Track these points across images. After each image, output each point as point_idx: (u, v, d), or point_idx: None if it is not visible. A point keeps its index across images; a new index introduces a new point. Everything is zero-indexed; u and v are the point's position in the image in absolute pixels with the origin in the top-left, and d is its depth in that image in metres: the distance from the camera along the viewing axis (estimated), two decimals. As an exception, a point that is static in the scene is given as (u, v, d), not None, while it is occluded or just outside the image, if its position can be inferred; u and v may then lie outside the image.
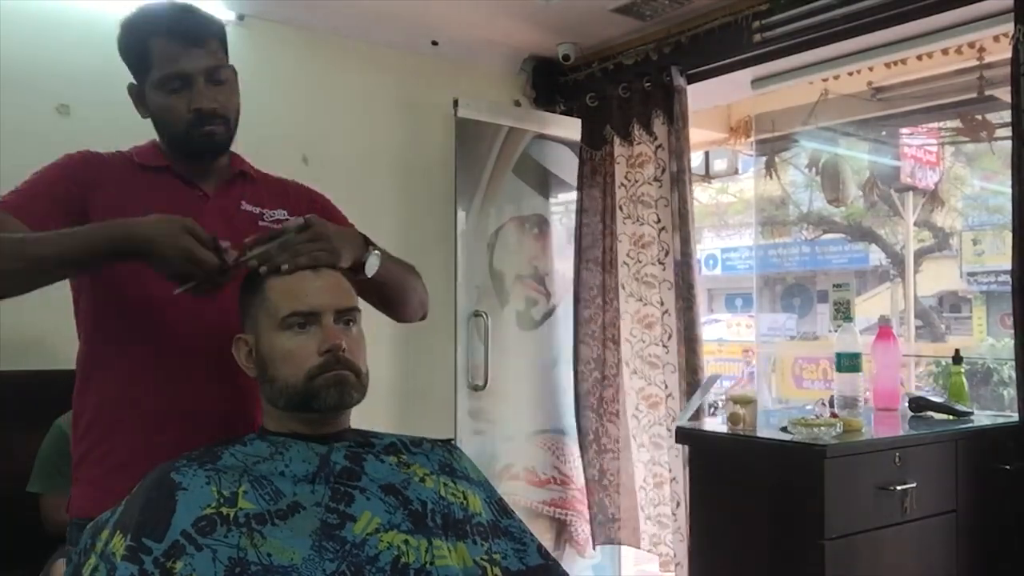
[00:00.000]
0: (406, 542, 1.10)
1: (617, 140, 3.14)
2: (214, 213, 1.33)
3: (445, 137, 3.06)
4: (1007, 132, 3.03)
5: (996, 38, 2.64)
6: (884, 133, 6.07)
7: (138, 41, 1.29)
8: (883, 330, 2.44)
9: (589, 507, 3.23)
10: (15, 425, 2.21)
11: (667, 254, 3.00)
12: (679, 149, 2.95)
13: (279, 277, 1.18)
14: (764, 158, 4.69)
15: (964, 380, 2.44)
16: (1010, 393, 4.73)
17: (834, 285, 2.68)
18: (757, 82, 3.14)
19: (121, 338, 1.31)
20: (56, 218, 1.20)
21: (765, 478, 1.98)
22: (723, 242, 12.79)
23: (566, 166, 3.32)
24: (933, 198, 7.02)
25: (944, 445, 2.12)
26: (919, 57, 2.88)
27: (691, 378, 2.90)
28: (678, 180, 2.96)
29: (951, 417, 2.28)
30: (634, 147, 3.10)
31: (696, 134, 3.67)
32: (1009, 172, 2.22)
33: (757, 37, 2.74)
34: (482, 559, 1.16)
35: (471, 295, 3.12)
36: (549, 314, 3.35)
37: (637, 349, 3.13)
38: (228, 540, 1.03)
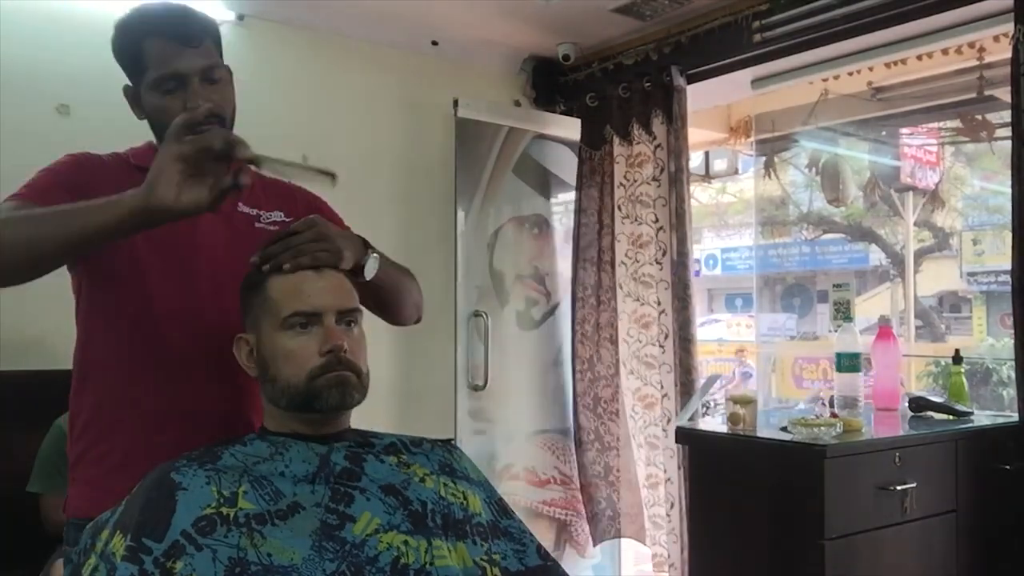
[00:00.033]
0: (406, 543, 1.10)
1: (616, 140, 3.14)
2: (211, 214, 1.33)
3: (445, 137, 3.07)
4: (1007, 132, 3.03)
5: (996, 38, 2.64)
6: (884, 133, 6.08)
7: (132, 42, 1.29)
8: (883, 330, 2.44)
9: (586, 505, 3.23)
10: (15, 425, 2.21)
11: (664, 254, 3.00)
12: (678, 149, 2.96)
13: (281, 277, 1.18)
14: (764, 158, 4.69)
15: (964, 380, 2.44)
16: (1010, 393, 4.73)
17: (834, 285, 2.68)
18: (757, 82, 3.14)
19: (120, 337, 1.31)
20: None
21: (765, 478, 1.98)
22: (723, 242, 12.79)
23: (566, 166, 3.33)
24: (933, 198, 7.02)
25: (944, 445, 2.12)
26: (919, 57, 2.89)
27: (685, 378, 2.90)
28: (676, 180, 2.96)
29: (951, 417, 2.28)
30: (633, 147, 3.10)
31: (696, 134, 3.67)
32: (1009, 172, 2.22)
33: (757, 37, 2.74)
34: (482, 559, 1.16)
35: (471, 295, 3.12)
36: (549, 314, 3.36)
37: (634, 349, 3.13)
38: (228, 540, 1.03)
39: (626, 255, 3.12)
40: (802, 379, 8.09)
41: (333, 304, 1.18)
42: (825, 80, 3.34)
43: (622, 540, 3.27)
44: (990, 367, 6.94)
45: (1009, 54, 2.22)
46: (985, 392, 6.80)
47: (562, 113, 3.38)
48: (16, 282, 1.12)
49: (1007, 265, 2.25)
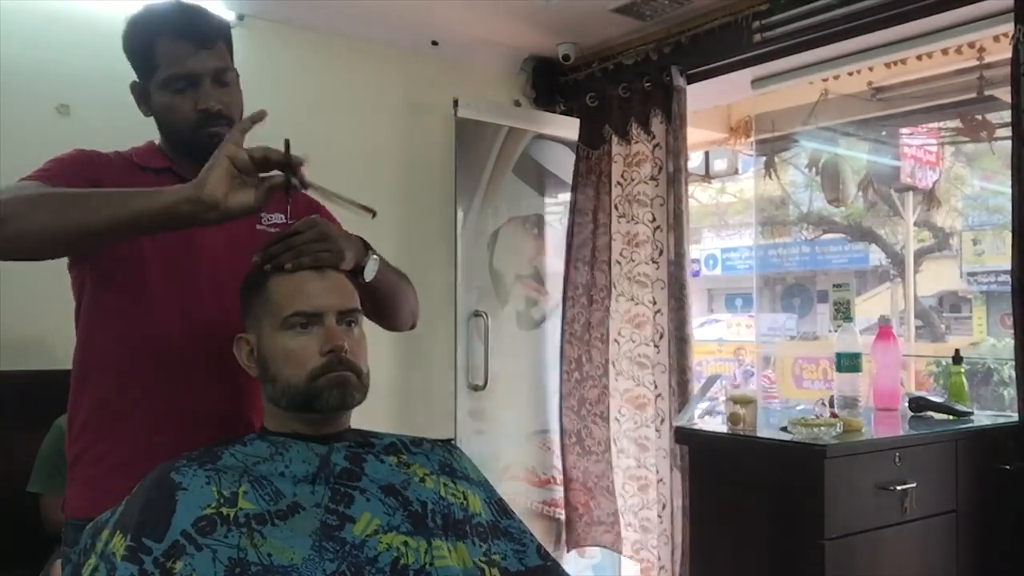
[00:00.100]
0: (405, 543, 1.10)
1: (615, 139, 3.13)
2: None
3: (445, 137, 3.07)
4: (1007, 132, 3.02)
5: (996, 38, 2.64)
6: (884, 133, 6.08)
7: (144, 40, 1.29)
8: (883, 330, 2.44)
9: (564, 509, 3.21)
10: (15, 425, 2.21)
11: (661, 253, 2.98)
12: (676, 149, 2.95)
13: (282, 276, 1.18)
14: (764, 158, 4.69)
15: (964, 380, 2.44)
16: (1010, 393, 4.72)
17: (834, 285, 2.68)
18: (757, 82, 3.14)
19: (120, 338, 1.31)
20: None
21: (765, 478, 1.98)
22: (723, 242, 12.79)
23: (566, 166, 3.32)
24: (929, 198, 7.02)
25: (944, 445, 2.12)
26: (919, 57, 2.89)
27: (680, 378, 2.90)
28: (674, 180, 2.95)
29: (951, 417, 2.28)
30: (632, 146, 3.10)
31: (696, 134, 3.67)
32: (1009, 172, 2.22)
33: (757, 37, 2.74)
34: (481, 560, 1.16)
35: (471, 295, 3.12)
36: (549, 314, 3.35)
37: (625, 349, 3.10)
38: (228, 540, 1.03)
39: (621, 254, 3.11)
40: (802, 379, 8.09)
41: (334, 304, 1.18)
42: (825, 80, 3.33)
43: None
44: (990, 367, 6.94)
45: (1009, 54, 2.22)
46: (985, 392, 6.80)
47: (562, 113, 3.38)
48: (41, 258, 1.13)
49: (1007, 265, 2.24)
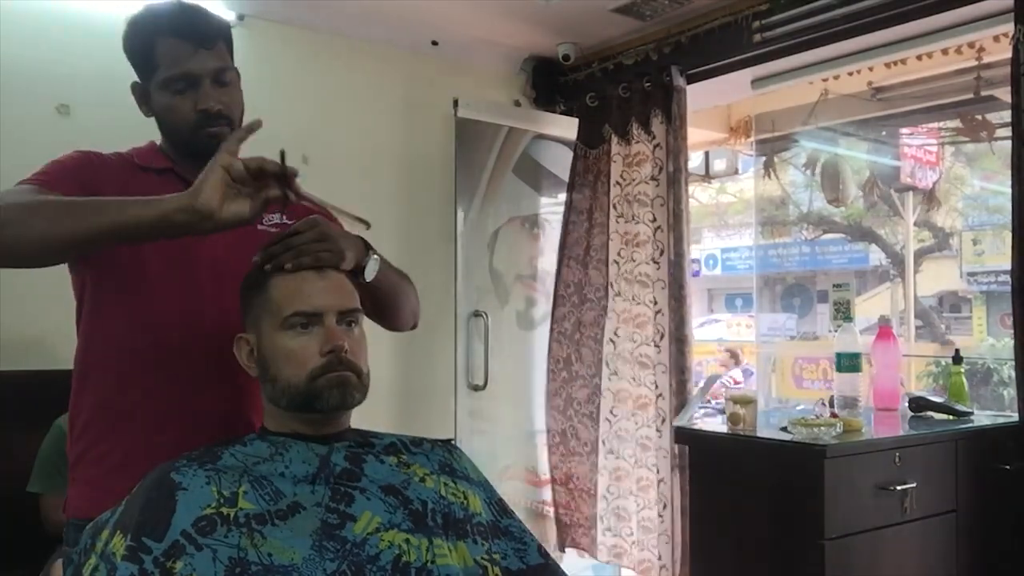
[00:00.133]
0: (407, 541, 1.10)
1: (615, 139, 3.13)
2: None
3: (445, 137, 3.07)
4: (1007, 132, 3.03)
5: (996, 38, 2.64)
6: (884, 133, 6.08)
7: (144, 40, 1.29)
8: (883, 330, 2.44)
9: (554, 507, 3.19)
10: (15, 425, 2.21)
11: (662, 253, 2.98)
12: (676, 149, 2.95)
13: (283, 276, 1.18)
14: (764, 158, 4.69)
15: (964, 380, 2.44)
16: (1010, 393, 4.73)
17: (834, 285, 2.68)
18: (757, 82, 3.14)
19: (121, 338, 1.31)
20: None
21: (765, 478, 1.98)
22: (723, 242, 12.80)
23: (566, 166, 3.32)
24: (930, 198, 7.02)
25: (944, 445, 2.12)
26: (919, 57, 2.89)
27: (679, 378, 2.89)
28: (675, 180, 2.95)
29: (951, 417, 2.28)
30: (632, 146, 3.09)
31: (696, 134, 3.67)
32: (1009, 172, 2.22)
33: (757, 37, 2.74)
34: (482, 559, 1.16)
35: (471, 295, 3.12)
36: (549, 314, 3.35)
37: (625, 349, 3.09)
38: (228, 540, 1.03)
39: (619, 254, 3.10)
40: (802, 379, 8.09)
41: (334, 304, 1.18)
42: (825, 80, 3.34)
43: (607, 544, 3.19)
44: (990, 367, 6.95)
45: (1009, 54, 2.22)
46: (985, 392, 6.80)
47: (562, 113, 3.38)
48: (35, 265, 1.13)
49: (1007, 265, 2.25)
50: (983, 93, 3.28)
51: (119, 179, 1.31)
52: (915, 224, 8.02)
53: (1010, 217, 2.23)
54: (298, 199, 1.14)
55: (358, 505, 1.11)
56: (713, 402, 4.73)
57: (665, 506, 2.90)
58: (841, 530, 1.85)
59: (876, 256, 9.77)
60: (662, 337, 2.97)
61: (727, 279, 13.02)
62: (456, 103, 3.00)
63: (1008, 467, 2.13)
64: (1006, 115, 3.19)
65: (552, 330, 3.20)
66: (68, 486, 1.34)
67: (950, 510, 2.10)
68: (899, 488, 1.95)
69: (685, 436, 2.29)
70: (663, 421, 2.94)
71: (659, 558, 2.93)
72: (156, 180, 1.33)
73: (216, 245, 1.32)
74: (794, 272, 9.96)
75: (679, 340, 2.91)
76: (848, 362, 2.23)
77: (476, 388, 3.09)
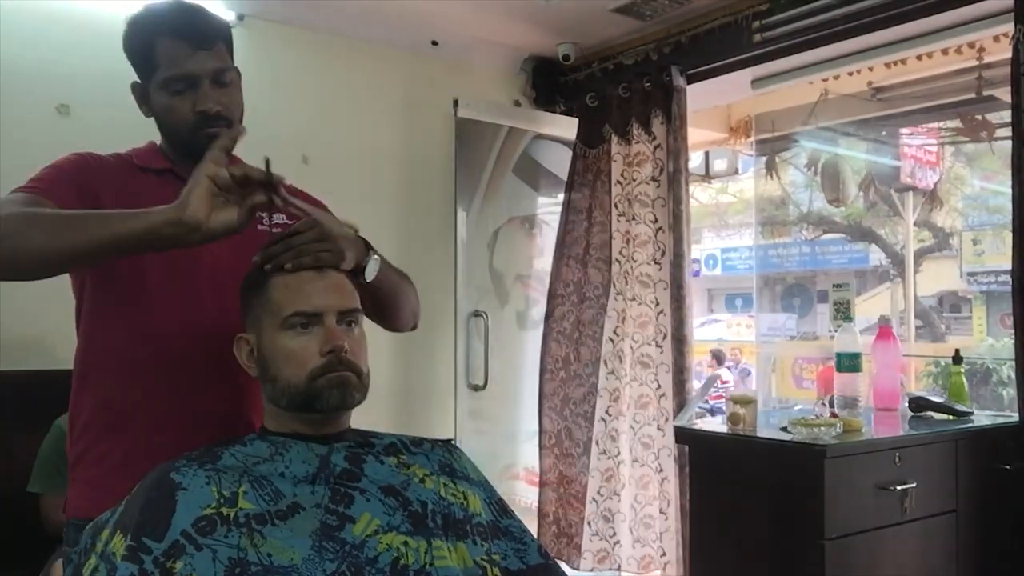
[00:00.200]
0: (405, 543, 1.10)
1: (615, 139, 3.13)
2: None
3: (445, 137, 3.07)
4: (1007, 132, 3.03)
5: (996, 38, 2.64)
6: (884, 133, 6.09)
7: (144, 40, 1.29)
8: (883, 330, 2.44)
9: (542, 507, 3.17)
10: (15, 425, 2.21)
11: (663, 254, 2.98)
12: (677, 149, 2.95)
13: (283, 276, 1.18)
14: (764, 158, 4.69)
15: (964, 380, 2.44)
16: (1010, 393, 4.73)
17: (834, 285, 2.67)
18: (757, 82, 3.14)
19: (121, 338, 1.31)
20: (76, 205, 1.21)
21: (765, 478, 1.98)
22: (723, 242, 12.81)
23: (566, 166, 3.33)
24: (931, 198, 7.03)
25: (944, 445, 2.12)
26: (919, 57, 2.89)
27: (679, 378, 2.89)
28: (675, 180, 2.95)
29: (951, 417, 2.28)
30: (632, 146, 3.09)
31: (696, 134, 3.67)
32: (1009, 172, 2.22)
33: (757, 37, 2.74)
34: (482, 559, 1.16)
35: (471, 295, 3.12)
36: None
37: (624, 348, 3.08)
38: (228, 540, 1.03)
39: (620, 253, 3.10)
40: (802, 379, 8.09)
41: (334, 304, 1.18)
42: (825, 80, 3.34)
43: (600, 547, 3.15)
44: (990, 367, 6.95)
45: (1009, 54, 2.22)
46: (985, 392, 6.80)
47: (562, 113, 3.38)
48: (30, 278, 1.13)
49: (1007, 265, 2.25)
50: (983, 93, 3.28)
51: (118, 180, 1.31)
52: (915, 224, 8.03)
53: (1010, 217, 2.23)
54: (285, 206, 1.14)
55: (357, 507, 1.11)
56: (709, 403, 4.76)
57: (669, 503, 2.90)
58: (841, 530, 1.85)
59: (876, 256, 9.77)
60: (664, 337, 2.97)
61: (727, 279, 13.03)
62: (456, 103, 3.00)
63: (1008, 467, 2.13)
64: (1006, 115, 3.19)
65: (551, 329, 3.19)
66: (68, 486, 1.34)
67: (950, 510, 2.10)
68: (899, 488, 1.95)
69: (685, 436, 2.29)
70: (666, 420, 2.94)
71: (662, 555, 2.93)
72: (155, 180, 1.33)
73: (216, 245, 1.32)
74: (794, 272, 9.96)
75: (679, 340, 2.90)
76: (848, 362, 2.23)
77: (476, 388, 3.09)
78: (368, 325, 1.27)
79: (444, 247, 3.07)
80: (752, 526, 2.00)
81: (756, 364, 8.67)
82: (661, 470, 2.95)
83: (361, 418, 1.25)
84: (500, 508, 1.26)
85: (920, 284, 8.91)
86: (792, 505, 1.91)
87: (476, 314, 3.11)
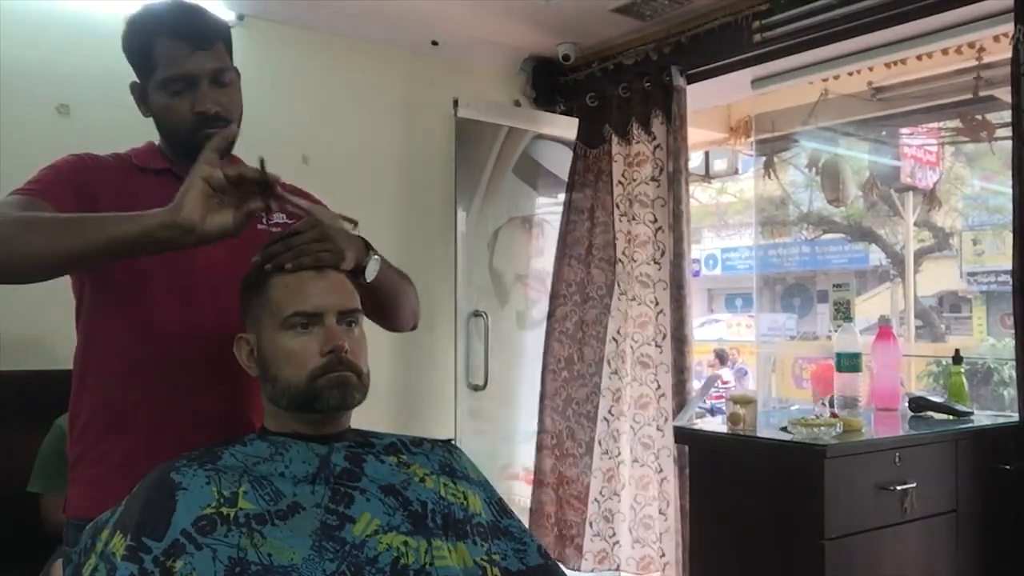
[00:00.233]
0: (405, 543, 1.10)
1: (615, 139, 3.13)
2: None
3: (445, 137, 3.07)
4: (1007, 132, 3.03)
5: (996, 38, 2.64)
6: (884, 133, 6.09)
7: (143, 40, 1.29)
8: (883, 330, 2.44)
9: (540, 507, 3.15)
10: (15, 425, 2.21)
11: (663, 254, 2.98)
12: (677, 149, 2.95)
13: (283, 276, 1.18)
14: (764, 158, 4.69)
15: (964, 380, 2.44)
16: (1010, 393, 4.73)
17: (834, 285, 2.67)
18: (757, 82, 3.14)
19: (120, 338, 1.31)
20: (74, 206, 1.21)
21: (765, 478, 1.98)
22: (723, 242, 12.81)
23: (566, 166, 3.33)
24: (931, 198, 7.03)
25: (944, 445, 2.12)
26: (919, 57, 2.89)
27: (678, 378, 2.89)
28: (675, 180, 2.95)
29: (951, 417, 2.28)
30: (632, 146, 3.09)
31: (696, 134, 3.67)
32: (1009, 172, 2.22)
33: (757, 37, 2.74)
34: (482, 559, 1.16)
35: (471, 295, 3.12)
36: (550, 314, 3.35)
37: (622, 348, 3.08)
38: (228, 540, 1.03)
39: (623, 253, 3.10)
40: (802, 379, 8.09)
41: (334, 304, 1.18)
42: (825, 80, 3.33)
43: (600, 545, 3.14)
44: (990, 367, 6.95)
45: (1009, 54, 2.22)
46: (985, 392, 6.80)
47: (562, 113, 3.38)
48: (27, 281, 1.13)
49: (1007, 265, 2.24)
50: (983, 93, 3.28)
51: (116, 180, 1.31)
52: (915, 224, 8.03)
53: (1010, 217, 2.23)
54: (282, 204, 1.13)
55: (357, 506, 1.11)
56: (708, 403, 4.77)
57: (668, 504, 2.90)
58: (841, 530, 1.85)
59: (876, 256, 9.78)
60: (664, 337, 2.97)
61: (727, 279, 13.03)
62: (456, 103, 3.00)
63: (1008, 467, 2.13)
64: (1006, 115, 3.19)
65: (553, 329, 3.18)
66: (68, 486, 1.34)
67: (950, 510, 2.10)
68: (899, 488, 1.95)
69: (685, 436, 2.29)
70: (665, 420, 2.94)
71: (662, 555, 2.93)
72: (154, 180, 1.33)
73: (216, 246, 1.31)
74: (794, 272, 9.97)
75: (679, 340, 2.90)
76: (848, 362, 2.23)
77: (476, 388, 3.09)
78: (368, 325, 1.27)
79: (444, 247, 3.07)
80: (752, 526, 2.00)
81: (756, 364, 8.67)
82: (660, 470, 2.95)
83: (361, 418, 1.25)
84: (500, 508, 1.26)
85: (920, 284, 8.92)
86: (792, 505, 1.91)
87: (476, 314, 3.11)
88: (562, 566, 2.88)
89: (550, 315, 3.20)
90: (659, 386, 2.98)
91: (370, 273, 1.27)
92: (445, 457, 1.26)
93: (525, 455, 3.24)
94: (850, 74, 3.14)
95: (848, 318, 2.45)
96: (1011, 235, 2.22)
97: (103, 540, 1.06)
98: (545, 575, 1.21)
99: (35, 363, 2.29)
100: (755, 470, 2.01)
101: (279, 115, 2.76)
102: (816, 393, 2.49)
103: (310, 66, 2.94)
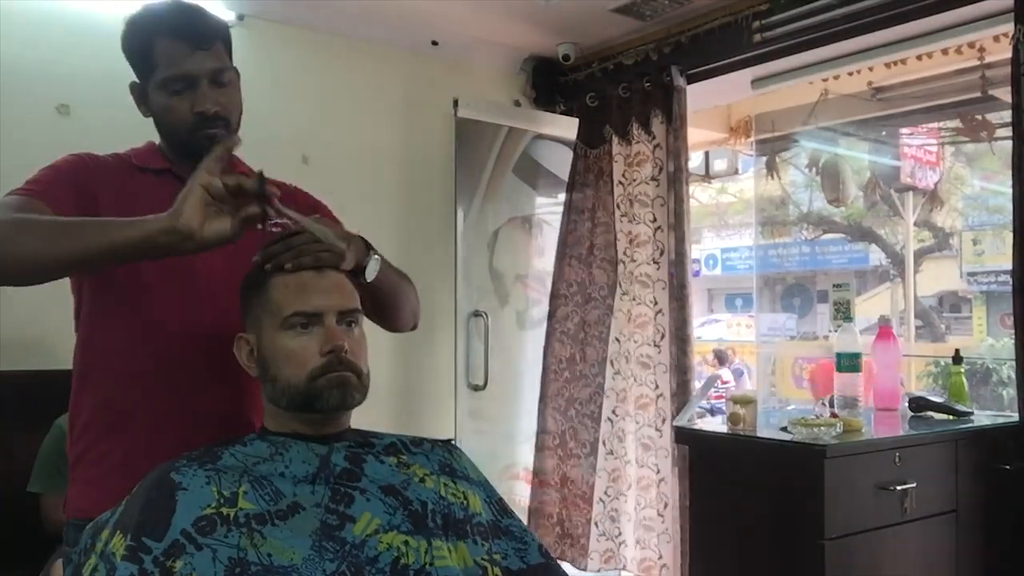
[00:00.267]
0: (406, 543, 1.10)
1: (615, 139, 3.13)
2: None
3: (445, 137, 3.07)
4: (1007, 132, 3.03)
5: (996, 38, 2.64)
6: (884, 133, 6.09)
7: (143, 40, 1.29)
8: (883, 330, 2.44)
9: (530, 515, 3.15)
10: (15, 425, 2.21)
11: (662, 254, 2.97)
12: (677, 149, 2.95)
13: (283, 276, 1.18)
14: (764, 158, 4.69)
15: (964, 380, 2.44)
16: (1010, 393, 4.73)
17: (834, 285, 2.67)
18: (757, 82, 3.14)
19: (120, 338, 1.31)
20: (73, 207, 1.21)
21: (765, 478, 1.98)
22: (723, 242, 12.82)
23: (566, 166, 3.32)
24: (932, 198, 7.03)
25: (944, 445, 2.12)
26: (919, 57, 2.89)
27: (681, 379, 2.89)
28: (675, 180, 2.95)
29: (951, 417, 2.28)
30: (632, 146, 3.09)
31: (696, 134, 3.67)
32: (1009, 172, 2.22)
33: (757, 37, 2.74)
34: (483, 559, 1.16)
35: (471, 295, 3.12)
36: (550, 314, 3.35)
37: (625, 348, 3.08)
38: (228, 540, 1.03)
39: (624, 253, 3.10)
40: (802, 379, 8.09)
41: (334, 304, 1.18)
42: (825, 80, 3.34)
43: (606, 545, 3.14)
44: (990, 367, 6.95)
45: (1009, 54, 2.22)
46: (985, 392, 6.81)
47: (562, 113, 3.38)
48: (21, 284, 1.13)
49: (1007, 265, 2.25)
50: (983, 93, 3.28)
51: (116, 180, 1.31)
52: (915, 224, 8.03)
53: (1010, 217, 2.22)
54: (278, 216, 1.14)
55: (357, 506, 1.11)
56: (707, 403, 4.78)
57: (666, 505, 2.90)
58: (841, 530, 1.85)
59: (876, 256, 9.78)
60: (663, 337, 2.96)
61: (727, 279, 13.03)
62: (456, 103, 3.00)
63: (1008, 467, 2.13)
64: (1006, 115, 3.19)
65: (554, 329, 3.18)
66: (68, 486, 1.34)
67: (950, 510, 2.10)
68: (899, 488, 1.95)
69: (685, 436, 2.29)
70: (663, 421, 2.94)
71: (659, 557, 2.93)
72: (154, 180, 1.33)
73: (210, 255, 1.31)
74: (794, 272, 9.97)
75: (680, 340, 2.90)
76: (848, 362, 2.23)
77: (476, 388, 3.09)
78: (368, 325, 1.27)
79: (444, 247, 3.07)
80: (752, 526, 2.00)
81: (756, 364, 8.68)
82: (659, 471, 2.95)
83: (361, 418, 1.25)
84: (500, 508, 1.26)
85: (920, 284, 8.92)
86: (792, 505, 1.91)
87: (476, 314, 3.11)
88: (566, 566, 2.89)
89: (551, 315, 3.19)
90: (657, 386, 2.97)
91: (370, 273, 1.27)
92: (445, 457, 1.26)
93: (525, 455, 3.24)
94: (850, 74, 3.14)
95: (848, 318, 2.45)
96: (1011, 235, 2.22)
97: (103, 540, 1.06)
98: (546, 574, 1.21)
99: (35, 363, 2.28)
100: (755, 470, 2.01)
101: (279, 115, 2.76)
102: (816, 392, 2.49)
103: (310, 66, 2.94)
